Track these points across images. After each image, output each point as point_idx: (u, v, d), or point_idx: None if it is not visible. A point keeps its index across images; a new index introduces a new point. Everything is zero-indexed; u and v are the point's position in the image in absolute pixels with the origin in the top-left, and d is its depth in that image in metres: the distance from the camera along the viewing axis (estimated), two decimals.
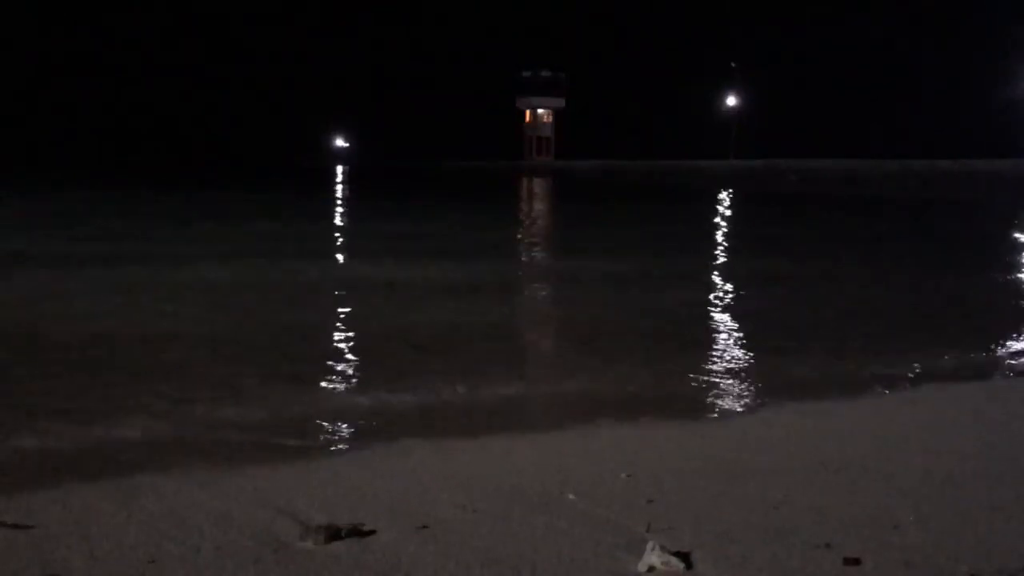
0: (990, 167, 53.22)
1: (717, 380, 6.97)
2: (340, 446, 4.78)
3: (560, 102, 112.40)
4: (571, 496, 3.94)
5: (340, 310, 9.73)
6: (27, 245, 15.62)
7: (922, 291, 11.82)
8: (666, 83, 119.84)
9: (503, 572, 3.19)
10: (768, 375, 7.02)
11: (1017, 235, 23.93)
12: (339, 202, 35.59)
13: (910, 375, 6.80)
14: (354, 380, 6.84)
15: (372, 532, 3.51)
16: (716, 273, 14.36)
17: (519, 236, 21.44)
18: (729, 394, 6.22)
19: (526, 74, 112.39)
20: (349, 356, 7.54)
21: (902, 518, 3.69)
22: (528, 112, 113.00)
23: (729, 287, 12.41)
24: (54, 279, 11.34)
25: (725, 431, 5.05)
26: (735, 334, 8.88)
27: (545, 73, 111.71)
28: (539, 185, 56.88)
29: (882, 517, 3.70)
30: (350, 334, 8.42)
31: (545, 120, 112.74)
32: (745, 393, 6.20)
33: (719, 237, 22.03)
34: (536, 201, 39.09)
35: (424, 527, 3.56)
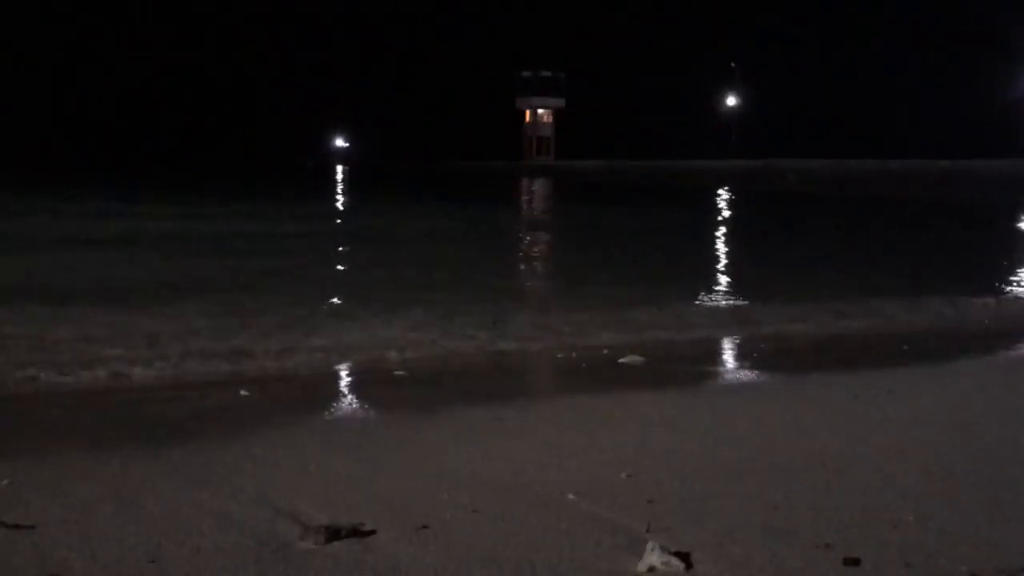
0: (990, 167, 53.21)
1: (717, 380, 6.98)
2: (340, 445, 4.77)
3: (560, 102, 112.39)
4: (571, 496, 3.94)
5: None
6: None
7: (917, 291, 11.81)
8: (666, 83, 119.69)
9: (503, 572, 3.19)
10: (768, 375, 7.02)
11: (1010, 235, 23.94)
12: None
13: (909, 375, 6.80)
14: (353, 380, 6.85)
15: (372, 532, 3.51)
16: (713, 273, 14.37)
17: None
18: (729, 394, 6.22)
19: (526, 74, 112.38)
20: (349, 355, 7.55)
21: (902, 518, 3.69)
22: (528, 112, 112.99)
23: (726, 288, 12.41)
24: None
25: (725, 430, 5.05)
26: (733, 334, 8.89)
27: (545, 73, 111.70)
28: (540, 187, 56.89)
29: (882, 517, 3.70)
30: (347, 331, 8.42)
31: (545, 120, 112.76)
32: (745, 393, 6.20)
33: (717, 235, 22.03)
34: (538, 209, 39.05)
35: (424, 527, 3.56)
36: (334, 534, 3.43)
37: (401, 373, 6.72)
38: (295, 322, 8.71)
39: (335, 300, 10.49)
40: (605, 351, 7.62)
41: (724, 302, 10.92)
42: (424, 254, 15.96)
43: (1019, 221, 29.39)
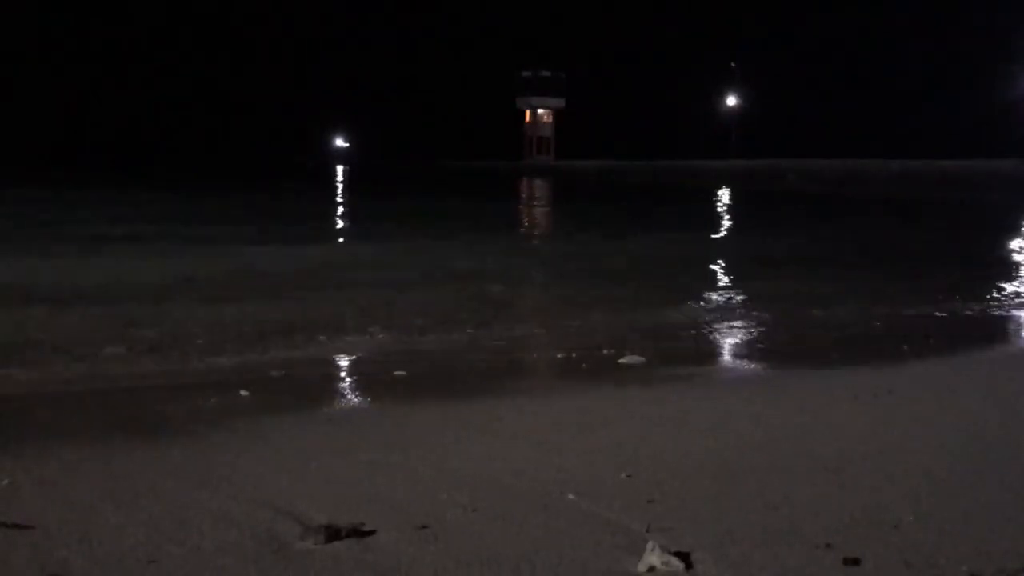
0: (990, 167, 53.21)
1: (716, 380, 6.98)
2: (340, 445, 4.78)
3: (560, 102, 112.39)
4: (571, 496, 3.94)
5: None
6: None
7: (918, 291, 11.81)
8: (666, 83, 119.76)
9: (503, 572, 3.19)
10: (767, 375, 7.02)
11: (1010, 236, 23.94)
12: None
13: (909, 375, 6.80)
14: (354, 380, 6.85)
15: (372, 532, 3.51)
16: (712, 277, 14.37)
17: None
18: (729, 394, 6.21)
19: (526, 74, 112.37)
20: (349, 355, 7.56)
21: (902, 518, 3.69)
22: (528, 112, 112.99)
23: (725, 288, 12.41)
24: None
25: (725, 430, 5.05)
26: (733, 334, 8.89)
27: (545, 73, 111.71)
28: (540, 188, 56.90)
29: (882, 517, 3.70)
30: (345, 333, 8.42)
31: (545, 120, 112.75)
32: (745, 393, 6.19)
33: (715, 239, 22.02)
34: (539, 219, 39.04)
35: (424, 527, 3.56)
36: (334, 534, 3.44)
37: (401, 373, 6.73)
38: (295, 323, 8.72)
39: (335, 302, 10.50)
40: (605, 351, 7.63)
41: (724, 303, 10.91)
42: (427, 257, 15.96)
43: (1019, 221, 29.38)
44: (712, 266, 15.29)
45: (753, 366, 7.46)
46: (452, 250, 16.85)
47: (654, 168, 70.25)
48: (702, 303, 10.65)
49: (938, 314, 10.15)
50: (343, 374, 7.06)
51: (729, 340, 8.63)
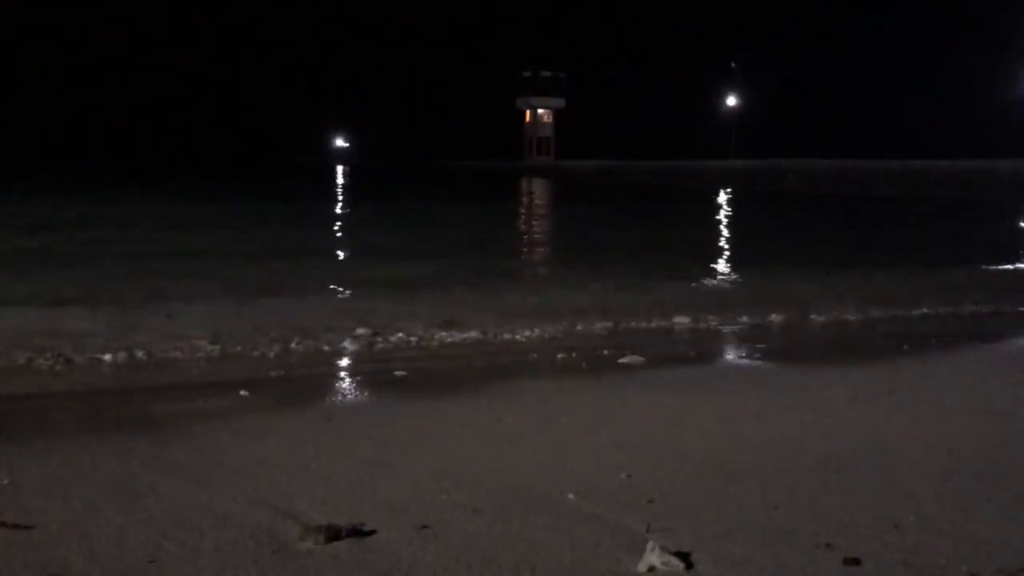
0: (990, 167, 53.19)
1: (716, 380, 6.97)
2: (340, 445, 4.78)
3: (560, 102, 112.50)
4: (571, 496, 3.94)
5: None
6: None
7: (919, 291, 11.81)
8: (666, 83, 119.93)
9: (503, 572, 3.19)
10: (767, 375, 7.02)
11: (999, 235, 23.95)
12: None
13: (909, 375, 6.80)
14: (354, 380, 6.85)
15: (372, 532, 3.51)
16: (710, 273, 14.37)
17: None
18: (729, 394, 6.21)
19: (526, 74, 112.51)
20: (349, 356, 7.56)
21: (902, 518, 3.69)
22: (528, 112, 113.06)
23: (725, 288, 12.42)
24: None
25: (725, 430, 5.05)
26: (732, 334, 8.89)
27: (545, 73, 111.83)
28: (541, 190, 56.87)
29: (882, 517, 3.70)
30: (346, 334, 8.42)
31: (545, 120, 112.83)
32: (745, 393, 6.19)
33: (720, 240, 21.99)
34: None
35: (424, 527, 3.56)
36: (334, 534, 3.43)
37: (401, 373, 6.73)
38: (295, 324, 8.72)
39: (335, 304, 10.50)
40: (605, 351, 7.63)
41: (724, 305, 10.91)
42: (431, 257, 15.98)
43: (1019, 222, 29.39)
44: (712, 267, 15.29)
45: (753, 366, 7.46)
46: (452, 252, 16.86)
47: (654, 168, 70.25)
48: (702, 305, 10.64)
49: (938, 314, 10.16)
50: (343, 374, 7.06)
51: (729, 340, 8.63)
